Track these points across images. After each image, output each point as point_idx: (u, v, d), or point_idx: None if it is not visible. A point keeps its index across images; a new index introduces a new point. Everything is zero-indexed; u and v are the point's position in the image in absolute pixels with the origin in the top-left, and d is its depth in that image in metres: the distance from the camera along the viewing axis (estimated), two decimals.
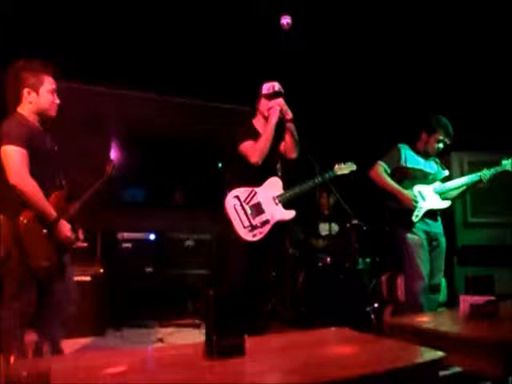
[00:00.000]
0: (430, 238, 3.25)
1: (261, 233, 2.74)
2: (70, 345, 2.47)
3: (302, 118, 2.95)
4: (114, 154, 4.95)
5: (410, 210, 3.19)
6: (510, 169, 3.27)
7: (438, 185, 3.33)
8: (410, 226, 3.20)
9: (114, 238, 4.47)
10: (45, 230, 2.18)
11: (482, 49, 4.23)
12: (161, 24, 4.14)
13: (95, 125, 4.60)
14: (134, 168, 5.05)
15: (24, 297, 2.14)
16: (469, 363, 1.73)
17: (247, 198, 2.78)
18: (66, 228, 2.26)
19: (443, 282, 3.88)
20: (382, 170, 3.30)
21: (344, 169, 3.18)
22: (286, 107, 2.87)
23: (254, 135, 2.86)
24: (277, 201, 2.84)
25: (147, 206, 5.15)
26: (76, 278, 3.48)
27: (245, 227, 2.72)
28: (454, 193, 3.37)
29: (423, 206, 3.22)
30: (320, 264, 4.26)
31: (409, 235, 3.20)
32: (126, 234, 4.53)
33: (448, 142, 3.34)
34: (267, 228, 2.76)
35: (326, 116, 5.15)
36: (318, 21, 4.20)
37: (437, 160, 3.51)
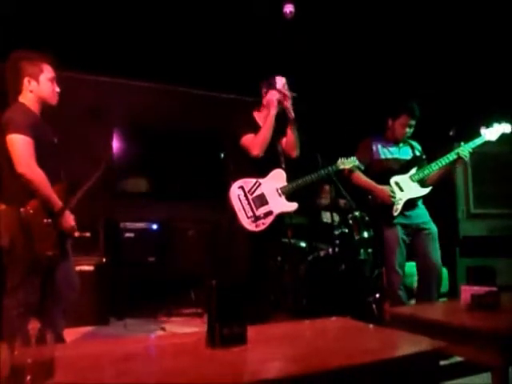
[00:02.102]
0: (412, 229, 3.16)
1: (264, 224, 2.76)
2: (73, 333, 2.48)
3: (308, 113, 2.94)
4: (116, 144, 4.95)
5: (388, 205, 3.11)
6: (491, 138, 3.06)
7: (414, 172, 3.19)
8: (388, 221, 3.13)
9: (117, 228, 4.49)
10: (49, 220, 2.19)
11: (484, 41, 4.18)
12: (163, 14, 4.11)
13: (97, 115, 4.59)
14: (136, 158, 5.06)
15: (28, 285, 2.15)
16: (469, 353, 1.73)
17: (251, 188, 2.80)
18: (70, 218, 2.29)
19: (445, 272, 3.89)
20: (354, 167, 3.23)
21: (347, 163, 3.17)
22: (290, 107, 2.87)
23: (255, 128, 2.87)
24: (280, 192, 2.85)
25: (150, 196, 5.16)
26: (79, 268, 3.52)
27: (248, 217, 2.74)
28: (435, 177, 3.18)
29: (402, 198, 3.12)
30: (322, 254, 4.27)
31: (386, 232, 3.15)
32: (128, 224, 4.54)
33: (414, 124, 3.18)
34: (270, 219, 2.78)
35: (332, 111, 5.11)
36: (322, 16, 4.15)
37: (413, 144, 3.35)
